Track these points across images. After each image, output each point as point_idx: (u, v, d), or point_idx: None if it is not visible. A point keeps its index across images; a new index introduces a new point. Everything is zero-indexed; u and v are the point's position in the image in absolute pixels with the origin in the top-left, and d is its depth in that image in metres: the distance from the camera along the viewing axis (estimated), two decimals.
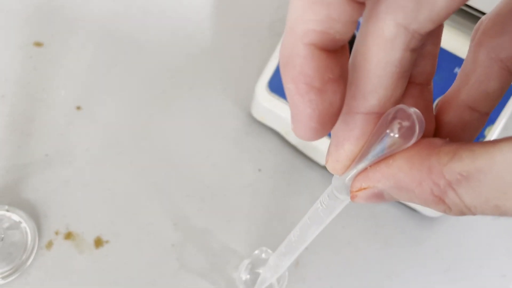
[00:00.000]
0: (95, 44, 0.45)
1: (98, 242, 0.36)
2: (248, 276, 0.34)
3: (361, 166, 0.17)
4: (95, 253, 0.36)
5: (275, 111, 0.39)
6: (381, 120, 0.16)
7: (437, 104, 0.19)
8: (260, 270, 0.35)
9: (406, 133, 0.15)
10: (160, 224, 0.37)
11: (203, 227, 0.38)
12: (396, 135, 0.15)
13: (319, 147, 0.39)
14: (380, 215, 0.40)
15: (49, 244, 0.36)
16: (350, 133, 0.16)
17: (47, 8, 0.46)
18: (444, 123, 0.18)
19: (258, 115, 0.41)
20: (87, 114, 0.41)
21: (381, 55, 0.15)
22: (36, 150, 0.39)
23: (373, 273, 0.38)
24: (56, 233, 0.36)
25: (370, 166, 0.16)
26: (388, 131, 0.15)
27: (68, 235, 0.36)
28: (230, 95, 0.44)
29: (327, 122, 0.15)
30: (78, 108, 0.42)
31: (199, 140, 0.42)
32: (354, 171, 0.17)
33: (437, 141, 0.15)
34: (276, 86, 0.39)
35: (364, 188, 0.16)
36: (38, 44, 0.44)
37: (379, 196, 0.16)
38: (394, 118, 0.15)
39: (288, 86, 0.15)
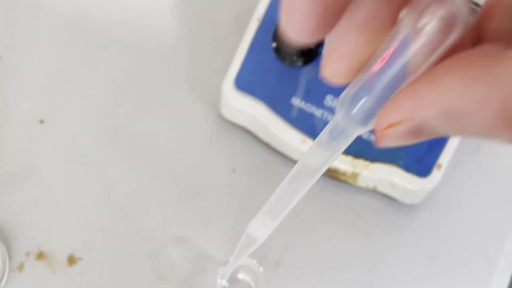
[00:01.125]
0: (55, 52, 0.44)
1: (71, 260, 0.35)
2: (226, 284, 0.33)
3: (376, 82, 0.12)
4: (69, 271, 0.35)
5: (244, 110, 0.38)
6: (406, 9, 0.12)
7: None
8: (240, 276, 0.34)
9: (444, 25, 0.11)
10: (134, 236, 0.36)
11: (179, 235, 0.37)
12: (433, 25, 0.11)
13: (292, 143, 0.38)
14: (359, 207, 0.39)
15: (21, 266, 0.35)
16: (354, 20, 0.12)
17: None
18: (488, 33, 0.14)
19: (228, 114, 0.40)
20: (51, 128, 0.40)
21: None
22: (0, 169, 0.38)
23: (356, 266, 0.38)
24: (27, 254, 0.35)
25: (400, 91, 0.12)
26: (415, 22, 0.11)
27: (40, 255, 0.35)
28: (198, 95, 0.43)
29: (331, 18, 0.12)
30: (42, 122, 0.40)
31: (169, 144, 0.40)
32: (365, 99, 0.13)
33: (490, 49, 0.11)
34: (244, 83, 0.38)
35: (397, 123, 0.12)
36: None
37: (417, 133, 0.12)
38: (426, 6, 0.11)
39: None
